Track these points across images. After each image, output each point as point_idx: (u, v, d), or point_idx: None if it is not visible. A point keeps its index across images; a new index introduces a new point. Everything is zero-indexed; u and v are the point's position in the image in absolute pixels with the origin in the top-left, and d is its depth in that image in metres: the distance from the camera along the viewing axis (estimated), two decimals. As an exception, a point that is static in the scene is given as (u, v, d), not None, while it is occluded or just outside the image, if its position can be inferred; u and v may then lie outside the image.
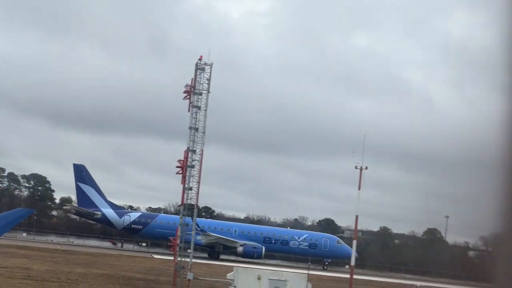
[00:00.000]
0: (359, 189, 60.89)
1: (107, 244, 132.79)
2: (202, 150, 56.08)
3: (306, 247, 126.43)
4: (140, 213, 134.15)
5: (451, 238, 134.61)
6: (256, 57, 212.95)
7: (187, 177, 55.67)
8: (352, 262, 63.08)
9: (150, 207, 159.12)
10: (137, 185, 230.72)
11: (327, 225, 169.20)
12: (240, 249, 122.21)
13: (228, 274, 50.01)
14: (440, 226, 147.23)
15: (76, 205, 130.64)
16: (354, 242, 64.06)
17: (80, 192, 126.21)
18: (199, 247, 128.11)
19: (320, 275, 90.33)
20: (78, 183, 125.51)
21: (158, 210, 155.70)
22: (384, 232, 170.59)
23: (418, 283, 74.75)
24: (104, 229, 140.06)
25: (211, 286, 63.03)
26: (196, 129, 55.97)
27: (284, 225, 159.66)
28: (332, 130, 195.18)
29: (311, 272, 58.22)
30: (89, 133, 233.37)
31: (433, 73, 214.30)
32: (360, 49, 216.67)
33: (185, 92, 56.90)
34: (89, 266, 76.27)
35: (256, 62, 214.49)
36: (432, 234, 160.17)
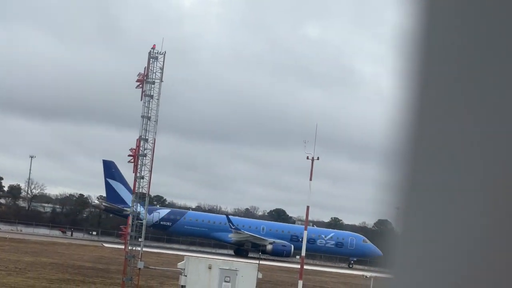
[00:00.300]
0: (310, 179, 61.05)
1: (57, 232, 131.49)
2: (154, 139, 55.73)
3: (333, 246, 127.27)
4: (169, 210, 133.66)
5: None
6: (208, 46, 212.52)
7: (139, 166, 55.31)
8: (303, 253, 63.29)
9: (101, 196, 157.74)
10: (88, 173, 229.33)
11: (278, 216, 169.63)
12: (269, 247, 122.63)
13: (178, 263, 49.81)
14: (391, 217, 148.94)
15: (106, 201, 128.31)
16: (305, 233, 64.34)
17: (109, 188, 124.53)
18: (224, 244, 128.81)
19: (271, 265, 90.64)
20: (107, 179, 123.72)
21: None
22: (335, 223, 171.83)
23: (368, 274, 75.39)
24: (53, 217, 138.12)
25: (162, 275, 62.83)
26: (149, 118, 55.53)
27: (235, 214, 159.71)
28: (283, 120, 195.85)
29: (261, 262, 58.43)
30: (38, 120, 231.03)
31: (384, 65, 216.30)
32: (312, 39, 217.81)
33: (137, 81, 56.45)
34: (38, 254, 75.40)
35: (208, 51, 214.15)
36: (383, 225, 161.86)
